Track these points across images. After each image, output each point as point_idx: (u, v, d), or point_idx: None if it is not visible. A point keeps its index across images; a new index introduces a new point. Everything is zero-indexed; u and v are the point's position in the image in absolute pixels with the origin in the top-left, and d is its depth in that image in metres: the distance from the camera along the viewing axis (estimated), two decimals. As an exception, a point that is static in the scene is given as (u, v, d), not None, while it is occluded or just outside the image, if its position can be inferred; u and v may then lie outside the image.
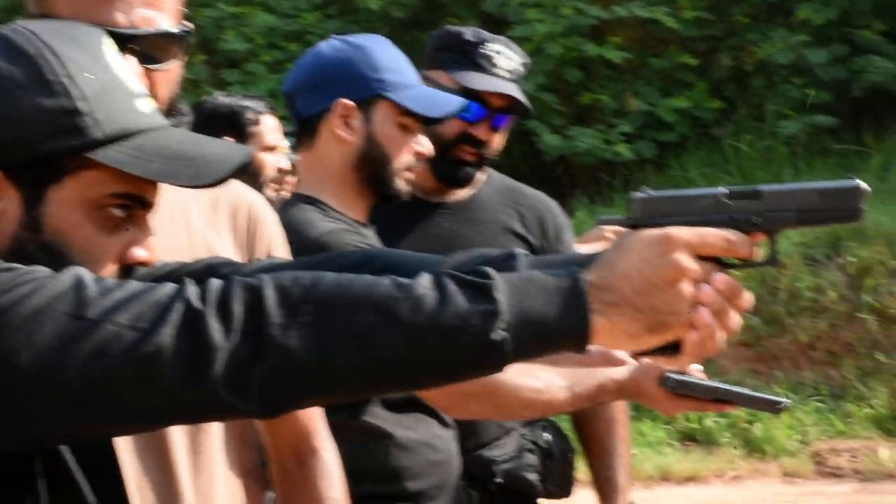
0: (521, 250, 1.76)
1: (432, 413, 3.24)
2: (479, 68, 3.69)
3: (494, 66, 3.72)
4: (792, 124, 12.62)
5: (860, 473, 9.54)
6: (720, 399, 2.95)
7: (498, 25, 13.51)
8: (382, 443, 3.18)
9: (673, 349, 1.69)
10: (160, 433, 1.94)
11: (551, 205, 3.92)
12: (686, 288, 1.63)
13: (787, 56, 12.85)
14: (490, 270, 1.59)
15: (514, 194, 3.86)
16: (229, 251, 2.45)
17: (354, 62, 3.14)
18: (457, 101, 3.24)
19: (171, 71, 2.21)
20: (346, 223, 3.07)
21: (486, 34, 3.80)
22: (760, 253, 1.79)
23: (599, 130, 13.01)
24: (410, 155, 3.16)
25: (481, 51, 3.71)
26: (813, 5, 12.93)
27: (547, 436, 3.68)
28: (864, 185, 1.78)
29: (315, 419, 2.53)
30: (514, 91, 3.72)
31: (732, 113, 13.22)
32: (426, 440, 3.22)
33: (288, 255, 2.67)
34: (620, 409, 3.78)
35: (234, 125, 5.02)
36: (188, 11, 2.17)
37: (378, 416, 3.18)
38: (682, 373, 2.93)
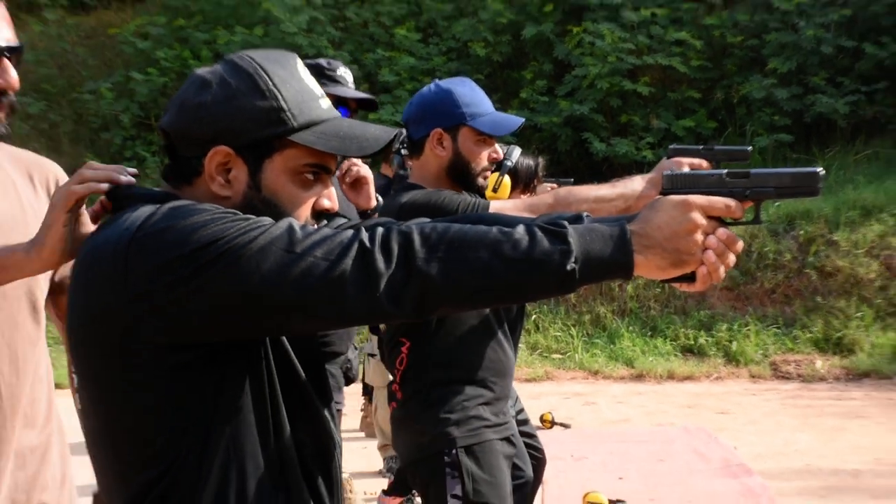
0: (586, 213, 1.73)
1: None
2: (339, 84, 4.06)
3: (347, 82, 4.13)
4: (763, 140, 12.43)
5: (802, 377, 9.45)
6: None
7: (564, 67, 13.42)
8: (451, 343, 3.07)
9: (689, 278, 1.68)
10: None
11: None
12: (699, 237, 1.63)
13: (760, 93, 12.65)
14: (565, 222, 1.58)
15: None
16: None
17: (444, 101, 3.12)
18: (516, 122, 3.19)
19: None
20: None
21: (334, 62, 4.15)
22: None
23: (632, 141, 12.89)
24: (486, 161, 3.16)
25: (339, 73, 4.07)
26: (779, 59, 12.73)
27: None
28: (822, 170, 1.78)
29: None
30: (364, 94, 4.11)
31: (723, 131, 13.04)
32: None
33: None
34: None
35: None
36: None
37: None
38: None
